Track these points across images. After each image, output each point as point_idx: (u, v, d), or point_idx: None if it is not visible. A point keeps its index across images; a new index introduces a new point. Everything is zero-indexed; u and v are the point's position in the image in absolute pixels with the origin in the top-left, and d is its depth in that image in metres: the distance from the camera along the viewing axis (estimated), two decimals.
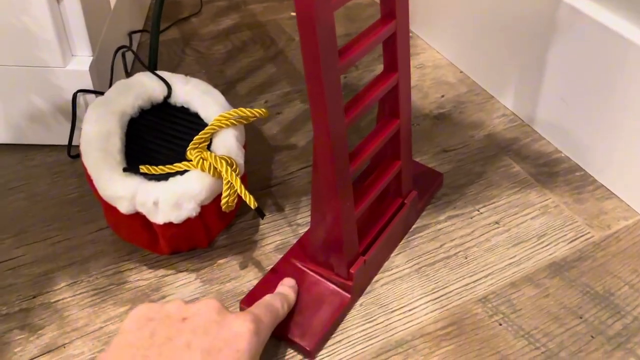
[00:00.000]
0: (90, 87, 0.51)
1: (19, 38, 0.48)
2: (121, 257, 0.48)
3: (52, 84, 0.51)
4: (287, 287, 0.43)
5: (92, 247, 0.48)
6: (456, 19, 0.71)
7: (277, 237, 0.51)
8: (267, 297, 0.40)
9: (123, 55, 0.58)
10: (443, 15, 0.73)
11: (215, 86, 0.51)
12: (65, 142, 0.55)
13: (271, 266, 0.47)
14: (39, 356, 0.41)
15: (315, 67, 0.33)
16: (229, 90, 0.67)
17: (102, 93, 0.50)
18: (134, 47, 0.67)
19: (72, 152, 0.55)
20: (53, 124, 0.54)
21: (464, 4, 0.69)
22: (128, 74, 0.58)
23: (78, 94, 0.50)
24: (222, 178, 0.41)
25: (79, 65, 0.51)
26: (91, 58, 0.51)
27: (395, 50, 0.41)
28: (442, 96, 0.69)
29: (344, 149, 0.39)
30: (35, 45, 0.48)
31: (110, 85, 0.49)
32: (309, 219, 0.52)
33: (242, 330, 0.34)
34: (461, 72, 0.73)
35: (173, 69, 0.69)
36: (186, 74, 0.51)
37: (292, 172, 0.58)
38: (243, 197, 0.40)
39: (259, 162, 0.58)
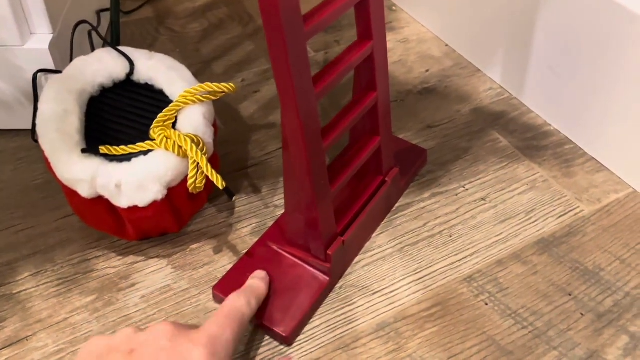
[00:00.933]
0: (52, 67, 0.48)
1: None
2: (88, 244, 0.45)
3: (11, 64, 0.48)
4: (257, 279, 0.40)
5: (57, 235, 0.46)
6: None
7: (253, 219, 0.49)
8: (230, 299, 0.37)
9: (89, 34, 0.55)
10: None
11: (190, 65, 0.48)
12: (25, 127, 0.53)
13: (246, 250, 0.45)
14: (1, 349, 0.39)
15: (278, 32, 0.31)
16: (204, 70, 0.64)
17: (57, 71, 0.47)
18: (104, 27, 0.64)
19: (36, 136, 0.52)
20: (15, 107, 0.52)
21: None
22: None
23: (39, 74, 0.48)
24: (188, 157, 0.38)
25: (39, 43, 0.48)
26: (51, 36, 0.48)
27: (369, 16, 0.38)
28: (427, 71, 0.67)
29: (316, 124, 0.36)
30: None
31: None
32: None
33: (194, 357, 0.31)
34: (446, 45, 0.70)
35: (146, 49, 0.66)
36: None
37: (269, 152, 0.55)
38: (210, 176, 0.38)
39: (236, 143, 0.56)
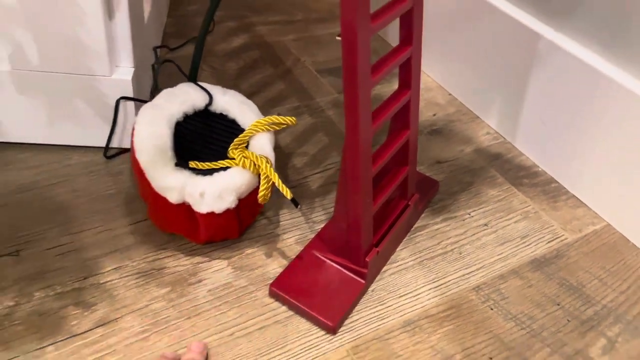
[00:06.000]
0: (131, 95, 0.57)
1: (72, 48, 0.53)
2: (159, 246, 0.53)
3: (96, 91, 0.57)
4: (195, 354, 0.43)
5: (131, 237, 0.54)
6: (444, 47, 0.80)
7: (296, 231, 0.57)
8: None
9: (153, 68, 0.65)
10: (433, 43, 0.82)
11: None
12: (99, 144, 0.61)
13: (293, 256, 0.54)
14: (93, 329, 0.46)
15: (353, 81, 0.40)
16: None
17: (142, 100, 0.56)
18: (157, 61, 0.73)
19: (107, 153, 0.60)
20: (91, 126, 0.60)
21: (451, 34, 0.78)
22: (156, 84, 0.64)
23: (120, 100, 0.56)
24: (260, 174, 0.47)
25: (123, 74, 0.56)
26: (132, 69, 0.57)
27: (410, 71, 0.49)
28: (434, 115, 0.77)
29: (369, 152, 0.46)
30: (86, 55, 0.54)
31: (153, 93, 0.55)
32: (323, 217, 0.59)
33: None
34: (449, 94, 0.82)
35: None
36: None
37: (305, 176, 0.64)
38: (280, 189, 0.47)
39: (276, 168, 0.65)
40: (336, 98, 0.78)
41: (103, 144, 0.61)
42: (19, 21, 0.51)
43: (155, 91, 0.60)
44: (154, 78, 0.63)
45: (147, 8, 0.67)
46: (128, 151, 0.61)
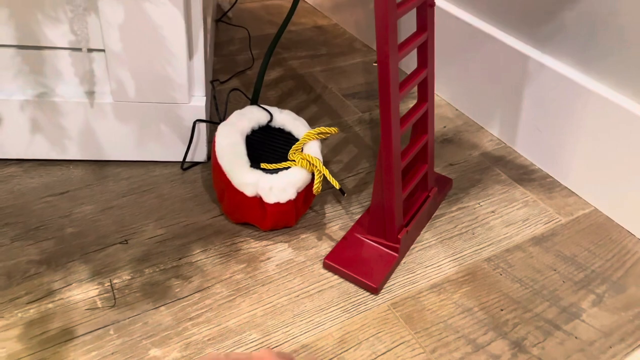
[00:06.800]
0: (204, 118, 0.72)
1: (161, 82, 0.69)
2: (233, 234, 0.67)
3: (177, 116, 0.72)
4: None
5: (211, 228, 0.68)
6: (451, 70, 0.95)
7: (339, 220, 0.71)
8: None
9: (214, 97, 0.80)
10: (441, 67, 0.97)
11: None
12: (175, 159, 0.75)
13: (339, 239, 0.67)
14: (193, 293, 0.59)
15: (387, 95, 0.55)
16: None
17: (213, 122, 0.71)
18: (214, 91, 0.89)
19: (184, 166, 0.75)
20: (170, 145, 0.74)
21: (456, 59, 0.93)
22: (217, 110, 0.78)
23: (196, 122, 0.71)
24: (314, 171, 0.61)
25: (197, 102, 0.71)
26: (204, 97, 0.72)
27: (427, 88, 0.63)
28: (445, 127, 0.92)
29: (399, 150, 0.60)
30: (171, 87, 0.69)
31: (224, 116, 0.69)
32: (360, 208, 0.73)
33: None
34: (457, 109, 0.96)
35: (241, 107, 0.90)
36: None
37: (342, 179, 0.78)
38: (331, 181, 0.61)
39: None
40: (360, 117, 0.93)
41: (178, 158, 0.75)
42: (123, 63, 0.66)
43: (218, 114, 0.75)
44: (215, 104, 0.78)
45: (208, 50, 0.82)
46: (200, 164, 0.76)
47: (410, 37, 0.59)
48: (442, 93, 0.99)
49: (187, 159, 0.75)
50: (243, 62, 1.04)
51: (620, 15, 0.69)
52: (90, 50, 0.65)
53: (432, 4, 0.60)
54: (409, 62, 1.02)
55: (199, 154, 0.75)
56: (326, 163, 0.81)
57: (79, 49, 0.65)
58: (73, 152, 0.73)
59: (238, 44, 1.10)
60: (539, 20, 0.79)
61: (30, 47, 0.65)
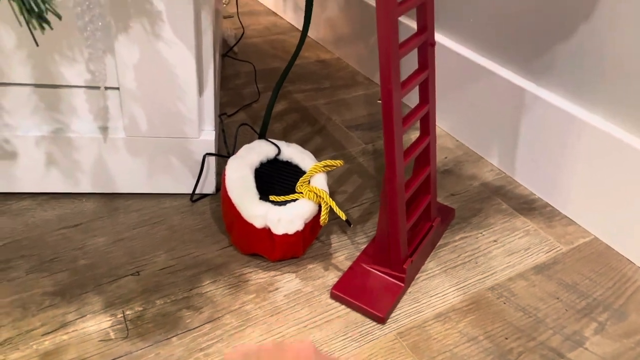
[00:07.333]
0: (213, 151, 0.74)
1: (172, 118, 0.71)
2: (242, 265, 0.69)
3: (187, 150, 0.74)
4: None
5: (220, 259, 0.69)
6: (451, 103, 0.98)
7: (344, 251, 0.73)
8: None
9: (222, 131, 0.82)
10: (442, 100, 1.00)
11: None
12: (184, 191, 0.78)
13: (345, 269, 0.69)
14: (204, 324, 0.61)
15: (391, 129, 0.57)
16: None
17: (223, 155, 0.73)
18: (222, 125, 0.91)
19: (193, 197, 0.77)
20: (180, 178, 0.77)
21: (456, 93, 0.96)
22: (226, 143, 0.81)
23: (206, 156, 0.73)
24: (321, 203, 0.63)
25: (207, 136, 0.74)
26: (214, 132, 0.75)
27: (428, 122, 0.66)
28: (445, 157, 0.94)
29: (403, 181, 0.62)
30: (182, 122, 0.72)
31: (233, 149, 0.71)
32: (365, 239, 0.75)
33: None
34: (457, 140, 0.99)
35: (249, 141, 0.92)
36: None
37: (347, 209, 0.80)
38: (337, 212, 0.63)
39: None
40: (364, 148, 0.95)
41: (188, 190, 0.78)
42: (136, 100, 0.69)
43: (227, 146, 0.78)
44: (224, 137, 0.80)
45: (216, 85, 0.85)
46: (208, 196, 0.78)
47: (412, 75, 0.62)
48: (442, 124, 1.02)
49: (196, 191, 0.77)
50: (249, 95, 1.07)
51: (608, 48, 0.72)
52: (106, 88, 0.67)
53: (433, 44, 0.63)
54: (411, 95, 1.05)
55: (207, 186, 0.78)
56: (331, 193, 0.83)
57: (95, 87, 0.68)
58: (86, 186, 0.75)
59: (244, 77, 1.14)
60: (534, 54, 0.82)
61: (47, 86, 0.68)
